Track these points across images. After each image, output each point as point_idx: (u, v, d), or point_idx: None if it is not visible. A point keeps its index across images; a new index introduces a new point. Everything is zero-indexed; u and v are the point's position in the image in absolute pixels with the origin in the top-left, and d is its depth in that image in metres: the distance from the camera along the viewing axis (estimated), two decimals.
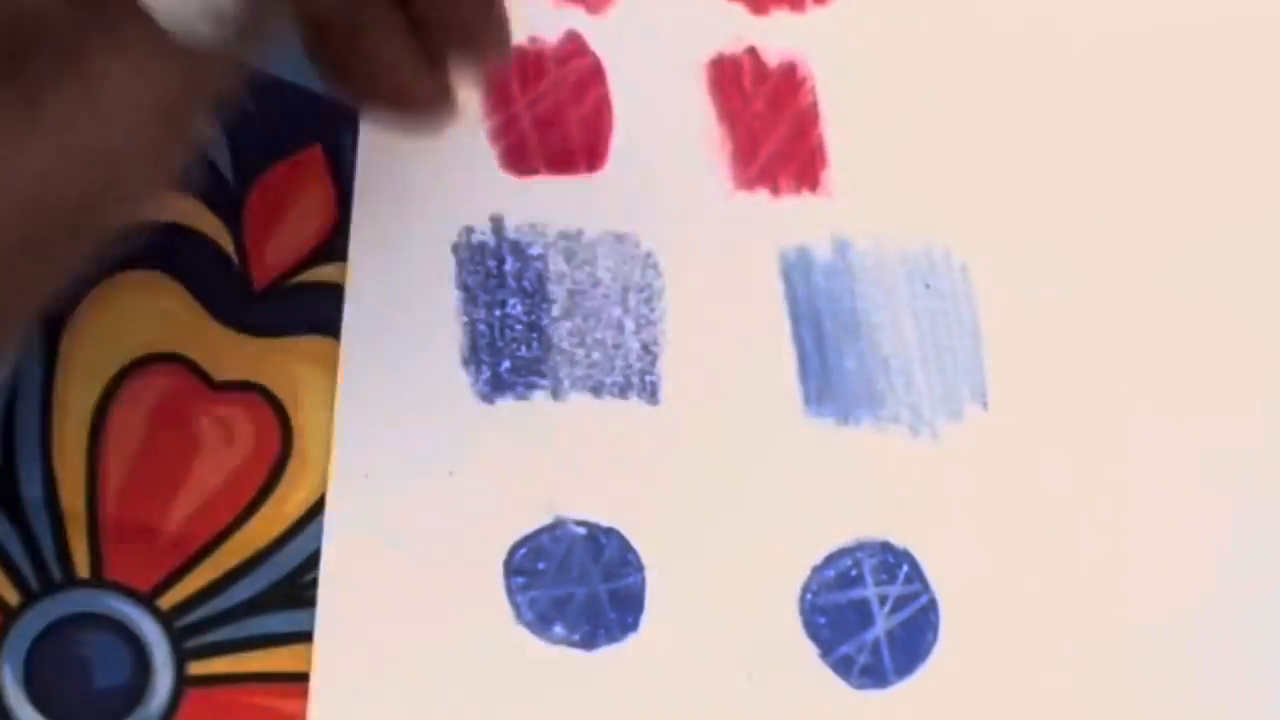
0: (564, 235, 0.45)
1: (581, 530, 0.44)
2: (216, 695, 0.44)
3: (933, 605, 0.44)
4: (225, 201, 0.45)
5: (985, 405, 0.44)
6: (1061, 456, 0.44)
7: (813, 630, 0.44)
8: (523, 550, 0.44)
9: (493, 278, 0.45)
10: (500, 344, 0.44)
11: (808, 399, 0.44)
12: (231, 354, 0.44)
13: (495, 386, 0.44)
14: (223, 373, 0.44)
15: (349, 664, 0.43)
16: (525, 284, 0.45)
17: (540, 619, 0.44)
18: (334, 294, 0.45)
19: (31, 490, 0.44)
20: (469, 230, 0.45)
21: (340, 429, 0.44)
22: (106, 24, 0.34)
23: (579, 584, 0.44)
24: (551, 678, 0.43)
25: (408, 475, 0.44)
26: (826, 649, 0.44)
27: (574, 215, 0.45)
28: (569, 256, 0.45)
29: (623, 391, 0.44)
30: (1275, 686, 0.44)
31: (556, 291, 0.45)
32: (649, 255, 0.45)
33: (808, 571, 0.44)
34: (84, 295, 0.44)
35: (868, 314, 0.45)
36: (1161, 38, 0.46)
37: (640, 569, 0.44)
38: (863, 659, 0.44)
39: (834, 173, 0.45)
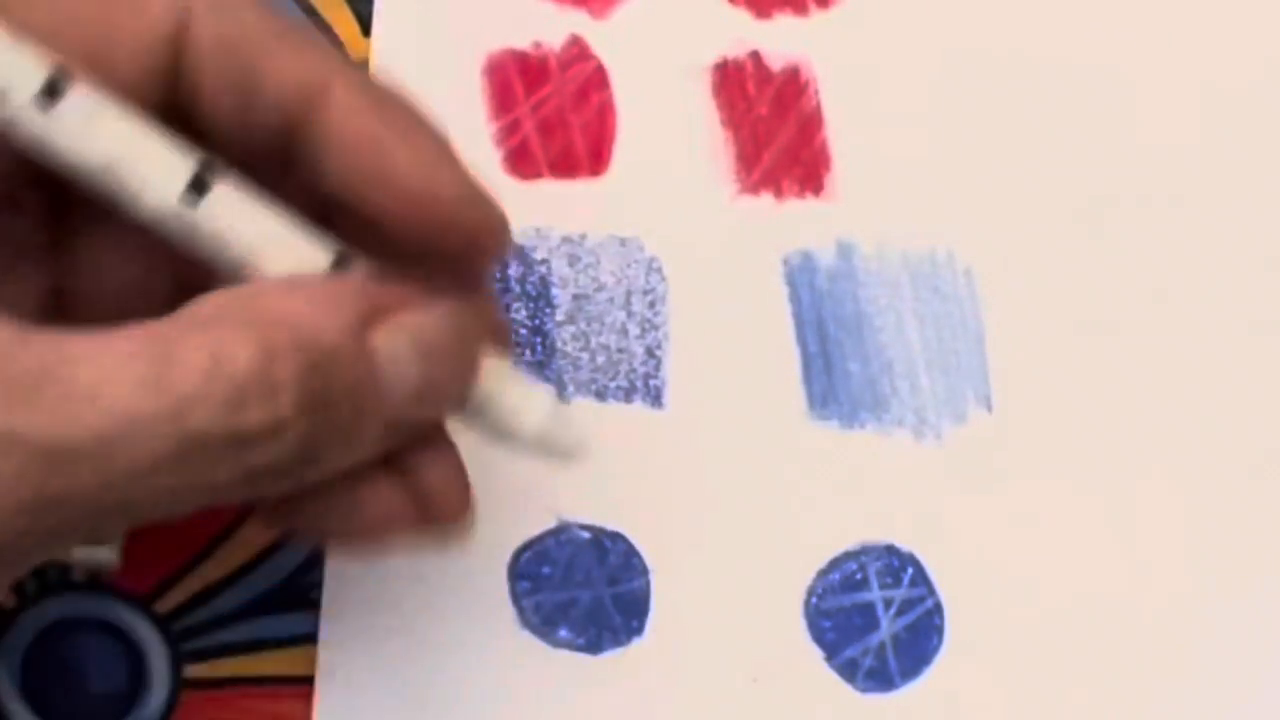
0: (567, 240, 0.45)
1: (586, 534, 0.44)
2: (213, 698, 0.44)
3: (938, 609, 0.44)
4: None
5: (989, 408, 0.45)
6: (1066, 459, 0.44)
7: (818, 634, 0.44)
8: (527, 554, 0.44)
9: (496, 282, 0.45)
10: None
11: (812, 402, 0.45)
12: None
13: None
14: None
15: (353, 668, 0.43)
16: (529, 288, 0.45)
17: (545, 623, 0.44)
18: None
19: None
20: None
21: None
22: None
23: (584, 588, 0.44)
24: (556, 682, 0.43)
25: None
26: (831, 652, 0.44)
27: (577, 219, 0.45)
28: (572, 261, 0.45)
29: (627, 396, 0.44)
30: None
31: (560, 296, 0.45)
32: (652, 259, 0.45)
33: (812, 575, 0.44)
34: None
35: (871, 317, 0.45)
36: (1170, 42, 0.46)
37: (645, 573, 0.44)
38: (868, 662, 0.44)
39: (838, 176, 0.45)
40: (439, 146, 0.35)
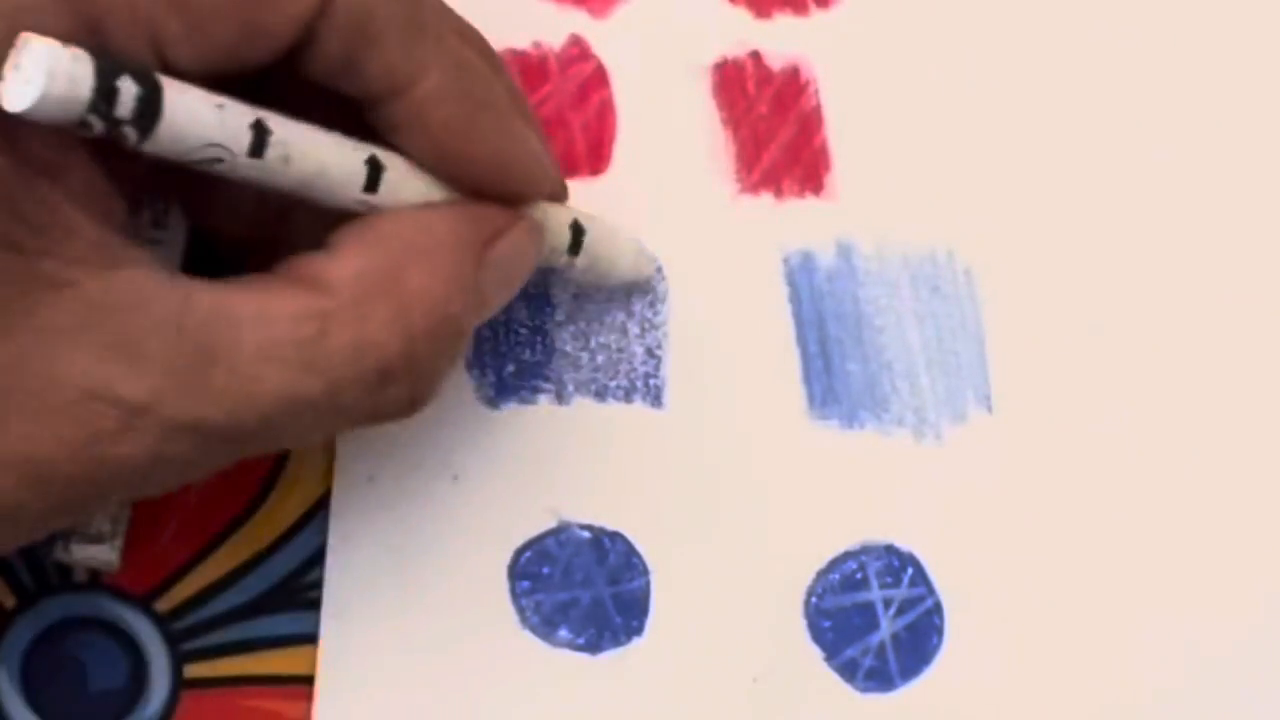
0: None
1: (586, 534, 0.44)
2: (214, 698, 0.44)
3: (938, 608, 0.44)
4: None
5: (989, 408, 0.45)
6: (1066, 459, 0.44)
7: (817, 634, 0.44)
8: (527, 554, 0.44)
9: None
10: (504, 348, 0.44)
11: (812, 402, 0.45)
12: None
13: (499, 390, 0.44)
14: None
15: (353, 667, 0.43)
16: (529, 288, 0.44)
17: (545, 623, 0.44)
18: None
19: None
20: None
21: (343, 433, 0.44)
22: None
23: (584, 588, 0.44)
24: (556, 682, 0.43)
25: (411, 480, 0.44)
26: (831, 652, 0.44)
27: None
28: None
29: (627, 395, 0.44)
30: None
31: (560, 295, 0.45)
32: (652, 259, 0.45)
33: (812, 575, 0.44)
34: None
35: (871, 317, 0.45)
36: (1170, 42, 0.46)
37: (645, 573, 0.44)
38: (868, 662, 0.44)
39: (838, 176, 0.45)
40: (504, 137, 0.39)
